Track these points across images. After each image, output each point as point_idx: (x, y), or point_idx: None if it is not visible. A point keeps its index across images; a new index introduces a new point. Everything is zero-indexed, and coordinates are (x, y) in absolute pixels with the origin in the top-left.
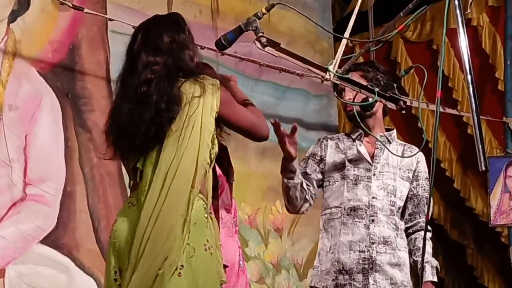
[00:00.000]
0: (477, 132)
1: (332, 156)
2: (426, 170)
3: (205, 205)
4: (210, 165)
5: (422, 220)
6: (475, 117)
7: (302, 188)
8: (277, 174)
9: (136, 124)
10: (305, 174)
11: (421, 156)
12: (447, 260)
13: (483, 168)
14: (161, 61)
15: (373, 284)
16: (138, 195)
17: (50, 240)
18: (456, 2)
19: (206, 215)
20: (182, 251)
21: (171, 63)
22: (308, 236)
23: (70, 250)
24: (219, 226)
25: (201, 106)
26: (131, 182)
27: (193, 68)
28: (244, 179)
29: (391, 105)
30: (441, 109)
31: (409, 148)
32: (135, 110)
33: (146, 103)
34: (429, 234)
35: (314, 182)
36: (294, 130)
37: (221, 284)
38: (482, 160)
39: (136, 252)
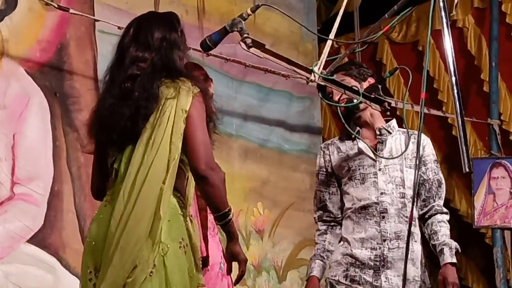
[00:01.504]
0: (462, 133)
1: (336, 161)
2: (434, 153)
3: (181, 203)
4: (185, 166)
5: (437, 203)
6: (460, 119)
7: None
8: (260, 176)
9: (116, 119)
10: (324, 206)
11: (426, 140)
12: (430, 261)
13: (467, 170)
14: (149, 58)
15: (385, 281)
16: (113, 194)
17: (37, 239)
18: (441, 4)
19: (181, 213)
20: (155, 252)
21: (158, 61)
22: (289, 238)
23: (57, 250)
24: (206, 226)
25: (173, 108)
26: (110, 179)
27: (179, 68)
28: (227, 180)
29: (376, 107)
30: (425, 111)
31: (412, 134)
32: (116, 105)
33: (127, 99)
34: (446, 216)
35: (331, 204)
36: None
37: (201, 286)
38: (466, 161)
39: (105, 260)
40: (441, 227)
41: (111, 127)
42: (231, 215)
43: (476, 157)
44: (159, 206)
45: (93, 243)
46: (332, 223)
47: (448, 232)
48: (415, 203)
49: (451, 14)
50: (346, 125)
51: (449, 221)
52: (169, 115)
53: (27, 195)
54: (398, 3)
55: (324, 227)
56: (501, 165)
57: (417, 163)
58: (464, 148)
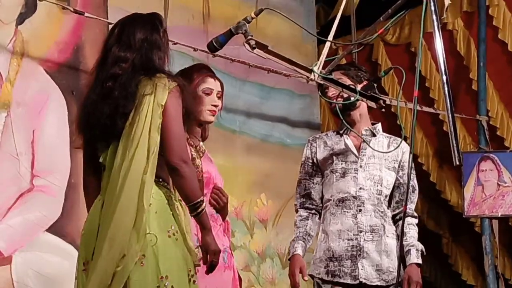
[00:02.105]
0: (452, 129)
1: (321, 154)
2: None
3: (168, 192)
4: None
5: (408, 207)
6: (450, 115)
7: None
8: (262, 169)
9: (97, 117)
10: (308, 194)
11: (406, 147)
12: (424, 248)
13: (457, 163)
14: (130, 58)
15: (361, 269)
16: (103, 189)
17: (55, 228)
18: (433, 8)
19: (168, 203)
20: (141, 241)
21: (138, 61)
22: (291, 227)
23: (73, 238)
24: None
25: (150, 103)
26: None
27: (158, 67)
28: (232, 174)
29: (372, 104)
30: (418, 108)
31: (394, 140)
32: (98, 103)
33: (108, 97)
34: (415, 220)
35: (317, 188)
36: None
37: (195, 267)
38: (457, 155)
39: (97, 250)
40: (410, 229)
41: (94, 124)
42: (203, 206)
43: (465, 151)
44: (141, 198)
45: (87, 235)
46: (313, 211)
47: (416, 235)
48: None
49: (441, 18)
50: (343, 120)
51: (441, 211)
52: (147, 110)
53: (45, 187)
54: (392, 7)
55: (306, 213)
56: (489, 158)
57: (410, 159)
58: (454, 142)
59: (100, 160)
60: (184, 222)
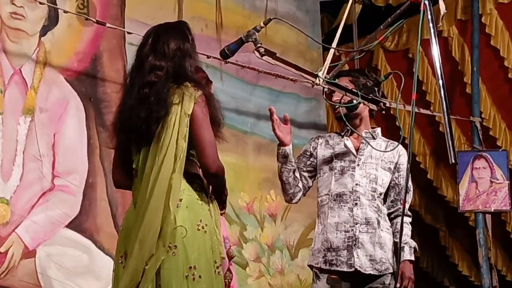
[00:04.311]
0: (448, 129)
1: (322, 151)
2: (407, 162)
3: (199, 188)
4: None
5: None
6: (446, 117)
7: (295, 176)
8: (272, 167)
9: (134, 121)
10: (298, 169)
11: (402, 150)
12: (422, 241)
13: (453, 161)
14: (164, 66)
15: (356, 258)
16: (135, 190)
17: (75, 224)
18: (429, 16)
19: (198, 198)
20: (173, 233)
21: (171, 69)
22: (299, 221)
23: (92, 234)
24: None
25: (178, 113)
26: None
27: (189, 74)
28: (243, 171)
29: (373, 106)
30: (416, 110)
31: (391, 143)
32: (135, 108)
33: (144, 103)
34: (408, 219)
35: (306, 175)
36: (286, 119)
37: (222, 260)
38: (452, 154)
39: (130, 250)
40: (404, 227)
41: (130, 128)
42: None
43: (460, 150)
44: (168, 201)
45: (123, 232)
46: (303, 181)
47: (409, 233)
48: (404, 194)
49: (437, 25)
50: (347, 123)
51: (438, 206)
52: (175, 119)
53: (65, 187)
54: (392, 16)
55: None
56: (482, 157)
57: (409, 156)
58: (450, 142)
59: (133, 165)
60: (214, 218)
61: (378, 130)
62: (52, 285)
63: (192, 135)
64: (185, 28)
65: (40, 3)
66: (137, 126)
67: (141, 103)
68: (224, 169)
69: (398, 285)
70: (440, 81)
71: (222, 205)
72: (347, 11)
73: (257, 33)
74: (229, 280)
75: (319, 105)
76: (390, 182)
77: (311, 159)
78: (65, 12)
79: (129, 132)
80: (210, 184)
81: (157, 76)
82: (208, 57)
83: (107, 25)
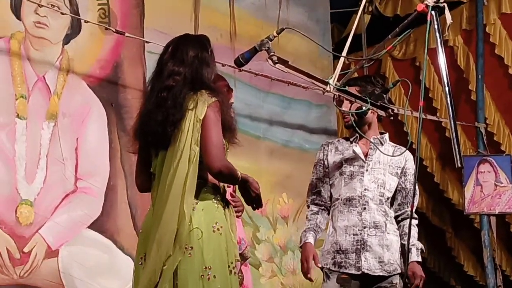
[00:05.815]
0: (454, 135)
1: (332, 158)
2: (414, 167)
3: (215, 191)
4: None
5: (409, 209)
6: (452, 123)
7: (320, 229)
8: (284, 171)
9: (151, 125)
10: (319, 192)
11: (409, 156)
12: (429, 242)
13: (459, 165)
14: (182, 72)
15: (364, 261)
16: (153, 193)
17: (96, 225)
18: (436, 26)
19: (214, 201)
20: (189, 235)
21: (189, 74)
22: None
23: (112, 234)
24: None
25: (191, 118)
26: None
27: (205, 81)
28: (256, 175)
29: (381, 113)
30: (423, 116)
31: (399, 149)
32: (153, 112)
33: (161, 106)
34: (415, 221)
35: (324, 191)
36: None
37: (236, 261)
38: (458, 158)
39: (148, 251)
40: (411, 230)
41: (148, 131)
42: (239, 175)
43: (466, 155)
44: (182, 203)
45: (143, 234)
46: (323, 207)
47: (416, 235)
48: (412, 197)
49: (443, 35)
50: (358, 130)
51: (444, 208)
52: (189, 125)
53: (87, 189)
54: (399, 26)
55: (316, 209)
56: (487, 161)
57: (416, 161)
58: (456, 147)
59: (151, 169)
60: (230, 222)
61: (386, 136)
62: (74, 283)
63: (200, 137)
64: (205, 40)
65: (62, 13)
66: (154, 129)
67: (158, 107)
68: (232, 167)
69: (409, 284)
70: (446, 89)
71: (252, 205)
72: (356, 21)
73: (270, 42)
74: (241, 281)
75: (330, 111)
76: (397, 186)
77: (326, 169)
78: (86, 22)
79: (147, 136)
80: (218, 181)
81: (175, 81)
82: (223, 65)
83: (126, 34)
